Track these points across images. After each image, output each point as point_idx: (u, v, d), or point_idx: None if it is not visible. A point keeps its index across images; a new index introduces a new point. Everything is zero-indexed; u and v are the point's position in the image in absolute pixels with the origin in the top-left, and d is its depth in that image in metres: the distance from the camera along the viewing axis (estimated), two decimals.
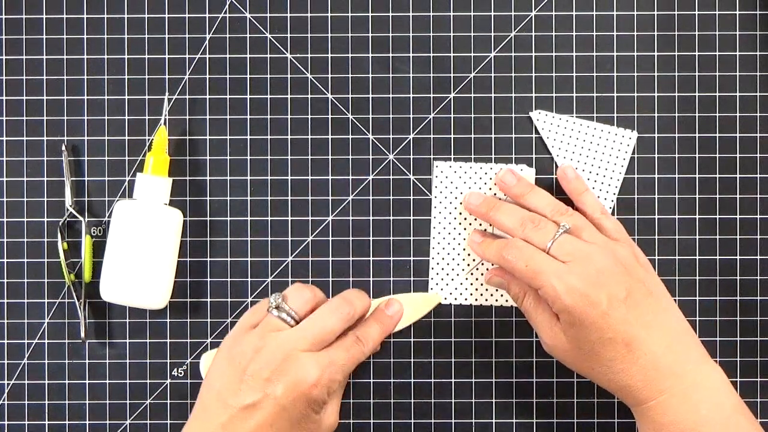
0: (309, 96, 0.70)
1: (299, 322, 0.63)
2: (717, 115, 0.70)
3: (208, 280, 0.70)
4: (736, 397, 0.60)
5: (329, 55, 0.70)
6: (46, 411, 0.70)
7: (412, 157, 0.70)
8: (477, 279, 0.69)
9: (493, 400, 0.70)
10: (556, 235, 0.62)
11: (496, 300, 0.69)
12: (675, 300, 0.70)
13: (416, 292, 0.69)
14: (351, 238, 0.70)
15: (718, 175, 0.70)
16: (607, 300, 0.60)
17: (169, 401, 0.70)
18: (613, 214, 0.70)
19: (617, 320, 0.60)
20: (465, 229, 0.69)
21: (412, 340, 0.70)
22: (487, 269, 0.68)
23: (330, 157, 0.70)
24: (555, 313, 0.62)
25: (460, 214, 0.69)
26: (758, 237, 0.70)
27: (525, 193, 0.67)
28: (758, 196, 0.70)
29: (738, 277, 0.70)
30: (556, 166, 0.70)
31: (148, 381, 0.70)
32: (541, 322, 0.64)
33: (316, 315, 0.63)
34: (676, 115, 0.70)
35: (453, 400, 0.70)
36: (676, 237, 0.70)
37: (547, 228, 0.63)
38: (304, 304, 0.63)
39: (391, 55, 0.70)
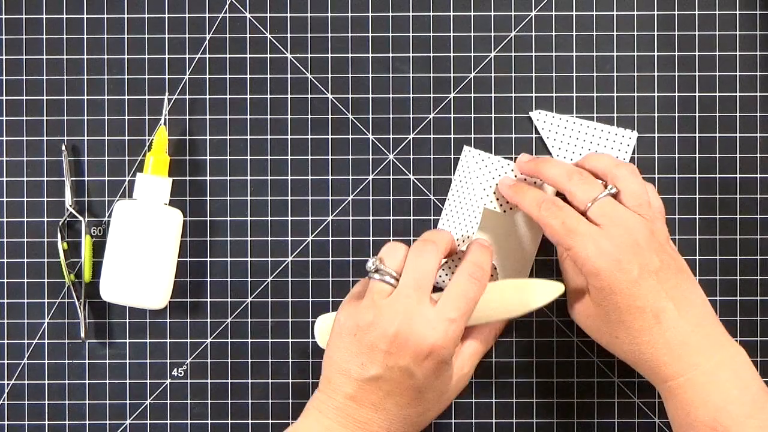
0: (309, 96, 0.70)
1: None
2: (717, 115, 0.70)
3: (208, 280, 0.70)
4: (761, 380, 0.60)
5: (329, 55, 0.70)
6: (46, 411, 0.70)
7: (412, 157, 0.70)
8: None
9: (493, 400, 0.70)
10: (600, 196, 0.61)
11: None
12: None
13: (531, 279, 0.68)
14: (351, 238, 0.70)
15: (718, 175, 0.70)
16: (639, 268, 0.59)
17: (169, 401, 0.70)
18: None
19: (648, 289, 0.59)
20: (473, 218, 0.67)
21: None
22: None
23: (330, 157, 0.70)
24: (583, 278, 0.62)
25: (476, 202, 0.67)
26: (758, 237, 0.70)
27: (585, 158, 0.65)
28: (758, 196, 0.70)
29: (738, 277, 0.70)
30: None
31: (148, 381, 0.70)
32: (573, 285, 0.63)
33: (406, 266, 0.60)
34: (676, 115, 0.70)
35: (453, 401, 0.70)
36: (677, 237, 0.70)
37: (594, 186, 0.62)
38: (402, 261, 0.61)
39: (391, 55, 0.70)
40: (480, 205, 0.66)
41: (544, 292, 0.64)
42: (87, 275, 0.69)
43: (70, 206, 0.70)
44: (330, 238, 0.70)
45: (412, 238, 0.70)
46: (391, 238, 0.70)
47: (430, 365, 0.59)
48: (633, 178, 0.62)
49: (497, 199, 0.66)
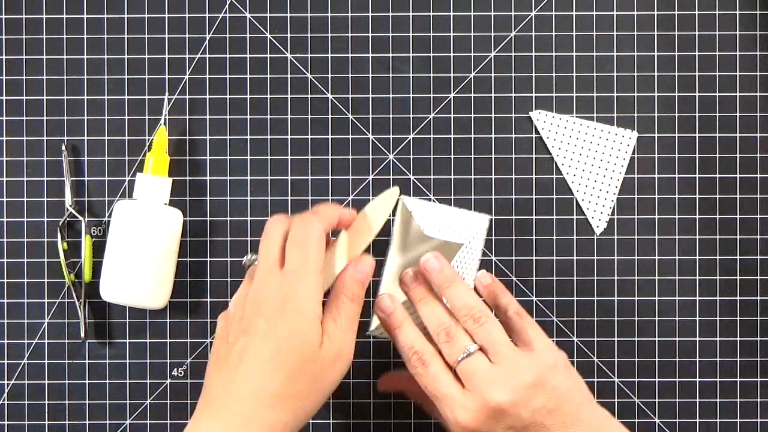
0: (309, 96, 0.70)
1: None
2: (717, 115, 0.70)
3: (208, 280, 0.70)
4: None
5: (329, 55, 0.70)
6: (46, 411, 0.70)
7: (412, 157, 0.70)
8: None
9: None
10: (461, 357, 0.59)
11: None
12: (674, 300, 0.70)
13: (376, 197, 0.64)
14: None
15: (718, 175, 0.70)
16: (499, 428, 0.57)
17: (169, 401, 0.70)
18: (613, 213, 0.70)
19: None
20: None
21: None
22: None
23: (330, 157, 0.70)
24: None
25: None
26: (758, 237, 0.70)
27: (445, 286, 0.61)
28: (758, 196, 0.70)
29: (738, 277, 0.70)
30: (556, 167, 0.70)
31: (148, 381, 0.70)
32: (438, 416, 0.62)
33: (261, 243, 0.58)
34: (676, 115, 0.70)
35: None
36: (676, 237, 0.70)
37: (458, 344, 0.59)
38: (280, 244, 0.58)
39: (391, 55, 0.70)
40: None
41: (386, 202, 0.62)
42: (87, 275, 0.69)
43: (70, 206, 0.70)
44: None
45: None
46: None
47: (287, 318, 0.55)
48: (497, 328, 0.60)
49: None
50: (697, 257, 0.70)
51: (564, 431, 0.58)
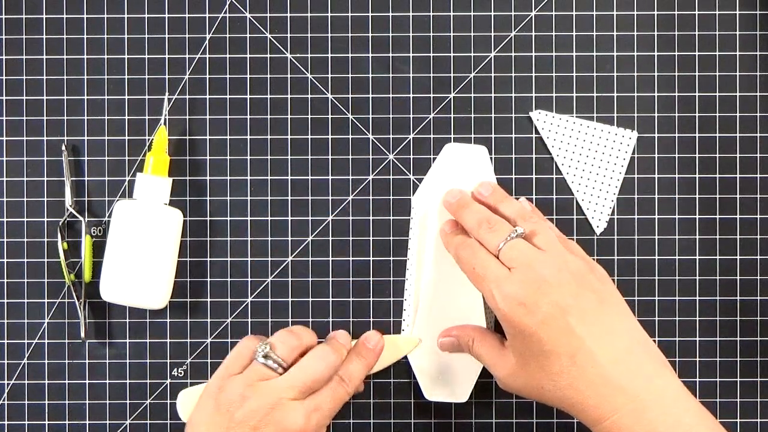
0: (309, 96, 0.70)
1: (287, 369, 0.62)
2: (717, 115, 0.70)
3: (208, 280, 0.70)
4: (695, 410, 0.57)
5: (329, 55, 0.70)
6: (46, 411, 0.70)
7: (412, 157, 0.70)
8: None
9: (493, 400, 0.70)
10: (507, 238, 0.60)
11: None
12: (675, 300, 0.70)
13: (395, 334, 0.69)
14: (351, 238, 0.70)
15: (718, 175, 0.70)
16: (547, 308, 0.57)
17: (169, 401, 0.70)
18: (613, 213, 0.70)
19: (558, 330, 0.57)
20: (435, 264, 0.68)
21: None
22: None
23: (330, 157, 0.70)
24: (500, 340, 0.62)
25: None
26: (758, 237, 0.70)
27: (499, 201, 0.65)
28: (758, 196, 0.70)
29: (738, 277, 0.70)
30: (556, 167, 0.70)
31: (148, 381, 0.70)
32: (490, 356, 0.62)
33: (304, 363, 0.62)
34: (676, 115, 0.70)
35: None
36: (676, 237, 0.70)
37: (501, 230, 0.61)
38: (292, 352, 0.63)
39: (391, 55, 0.70)
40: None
41: (405, 344, 0.68)
42: (87, 275, 0.69)
43: (70, 206, 0.70)
44: (330, 238, 0.70)
45: (409, 238, 0.70)
46: (391, 238, 0.70)
47: None
48: (542, 222, 0.62)
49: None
50: (697, 257, 0.70)
51: (602, 328, 0.58)
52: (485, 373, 0.70)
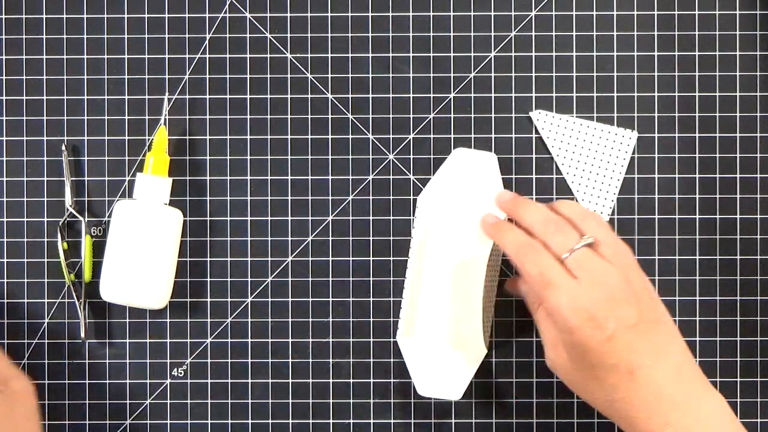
0: (309, 96, 0.70)
1: None
2: (717, 115, 0.70)
3: (208, 280, 0.70)
4: (739, 427, 0.59)
5: (329, 55, 0.70)
6: (46, 411, 0.70)
7: (412, 157, 0.70)
8: None
9: (493, 400, 0.70)
10: (576, 246, 0.59)
11: None
12: (674, 300, 0.70)
13: None
14: (351, 238, 0.70)
15: (718, 175, 0.70)
16: (615, 324, 0.57)
17: (169, 401, 0.70)
18: (613, 213, 0.70)
19: (622, 346, 0.57)
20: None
21: None
22: None
23: (330, 157, 0.70)
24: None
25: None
26: (758, 237, 0.70)
27: (556, 203, 0.63)
28: (758, 196, 0.70)
29: (738, 277, 0.70)
30: (556, 167, 0.70)
31: (148, 381, 0.70)
32: (548, 335, 0.61)
33: None
34: (676, 115, 0.70)
35: (453, 400, 0.70)
36: (676, 237, 0.70)
37: (570, 236, 0.60)
38: None
39: (391, 55, 0.70)
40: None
41: None
42: (87, 275, 0.69)
43: (70, 206, 0.70)
44: (330, 238, 0.70)
45: (410, 238, 0.70)
46: (391, 238, 0.70)
47: None
48: (604, 228, 0.60)
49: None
50: (697, 257, 0.70)
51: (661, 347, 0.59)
52: (485, 374, 0.70)
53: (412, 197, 0.70)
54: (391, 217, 0.70)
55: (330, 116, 0.70)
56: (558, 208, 0.62)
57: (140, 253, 0.66)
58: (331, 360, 0.70)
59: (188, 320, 0.70)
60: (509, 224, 0.63)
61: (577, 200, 0.70)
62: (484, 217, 0.64)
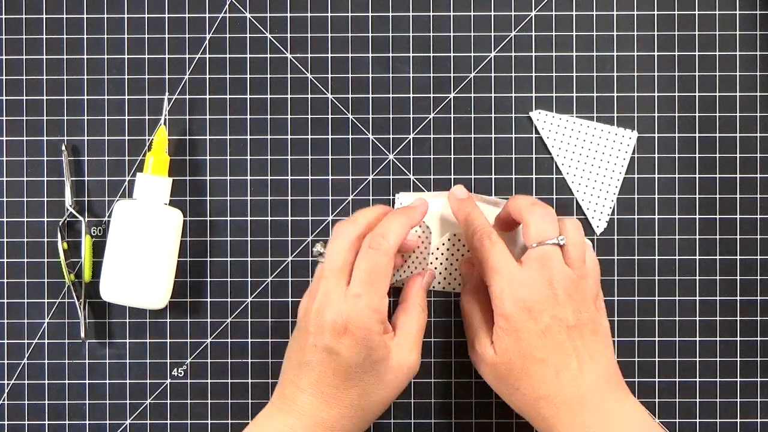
0: (309, 96, 0.70)
1: None
2: (717, 115, 0.70)
3: (208, 280, 0.70)
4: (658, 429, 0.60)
5: (329, 55, 0.70)
6: (46, 411, 0.70)
7: (412, 157, 0.70)
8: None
9: (493, 400, 0.70)
10: (548, 242, 0.60)
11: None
12: (675, 300, 0.70)
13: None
14: None
15: (718, 175, 0.70)
16: (550, 320, 0.59)
17: (169, 401, 0.70)
18: (613, 213, 0.70)
19: (554, 344, 0.59)
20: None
21: None
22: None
23: (330, 157, 0.70)
24: (491, 323, 0.62)
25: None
26: (758, 237, 0.70)
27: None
28: (758, 196, 0.70)
29: (738, 277, 0.70)
30: (556, 167, 0.70)
31: (148, 381, 0.70)
32: (478, 326, 0.63)
33: (328, 245, 0.62)
34: (676, 115, 0.70)
35: (453, 400, 0.70)
36: (676, 237, 0.70)
37: (550, 228, 0.61)
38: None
39: (391, 55, 0.70)
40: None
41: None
42: (87, 275, 0.69)
43: (70, 206, 0.70)
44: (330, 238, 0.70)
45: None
46: None
47: (349, 342, 0.58)
48: (576, 232, 0.62)
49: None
50: (697, 257, 0.70)
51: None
52: None
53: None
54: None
55: (330, 116, 0.70)
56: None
57: (140, 253, 0.66)
58: None
59: (188, 320, 0.70)
60: (474, 204, 0.65)
61: (577, 201, 0.70)
62: (454, 189, 0.67)
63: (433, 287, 0.69)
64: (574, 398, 0.58)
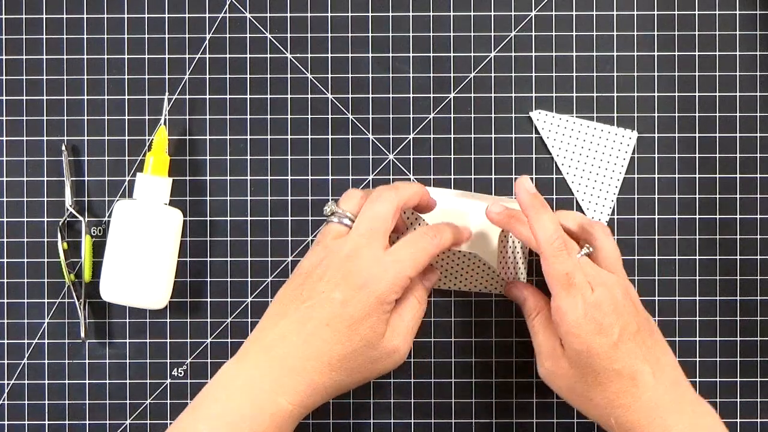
0: (309, 96, 0.70)
1: None
2: (717, 115, 0.70)
3: (208, 280, 0.70)
4: None
5: (329, 55, 0.70)
6: (46, 411, 0.70)
7: (412, 157, 0.70)
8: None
9: (493, 400, 0.70)
10: (578, 256, 0.60)
11: (482, 286, 0.69)
12: (675, 300, 0.70)
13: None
14: None
15: (718, 175, 0.70)
16: (619, 331, 0.59)
17: (169, 401, 0.70)
18: (613, 213, 0.70)
19: (626, 353, 0.59)
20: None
21: None
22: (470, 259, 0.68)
23: (330, 157, 0.70)
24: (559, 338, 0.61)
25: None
26: (758, 237, 0.70)
27: (562, 213, 0.65)
28: (758, 196, 0.70)
29: (738, 277, 0.70)
30: (556, 167, 0.70)
31: (148, 381, 0.70)
32: (546, 344, 0.62)
33: (364, 208, 0.61)
34: (676, 115, 0.70)
35: (453, 400, 0.70)
36: (676, 237, 0.70)
37: (571, 248, 0.61)
38: (358, 205, 0.61)
39: (391, 55, 0.70)
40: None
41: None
42: (87, 275, 0.69)
43: (70, 206, 0.70)
44: None
45: None
46: None
47: (363, 298, 0.58)
48: (607, 238, 0.63)
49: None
50: (697, 257, 0.70)
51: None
52: (485, 374, 0.70)
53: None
54: None
55: (330, 116, 0.70)
56: (561, 219, 0.63)
57: (140, 253, 0.66)
58: None
59: (188, 320, 0.70)
60: (546, 206, 0.61)
61: (577, 201, 0.70)
62: (522, 180, 0.62)
63: (438, 286, 0.69)
64: (650, 403, 0.59)
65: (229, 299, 0.70)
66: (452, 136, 0.70)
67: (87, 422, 0.70)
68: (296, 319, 0.59)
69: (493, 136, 0.70)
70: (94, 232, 0.70)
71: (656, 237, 0.70)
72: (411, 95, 0.70)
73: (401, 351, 0.60)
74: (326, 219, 0.62)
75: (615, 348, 0.59)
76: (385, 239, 0.60)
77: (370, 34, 0.70)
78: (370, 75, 0.70)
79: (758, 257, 0.70)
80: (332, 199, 0.63)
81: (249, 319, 0.70)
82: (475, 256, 0.67)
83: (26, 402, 0.70)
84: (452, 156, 0.70)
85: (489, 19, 0.70)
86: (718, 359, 0.70)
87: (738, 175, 0.70)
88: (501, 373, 0.70)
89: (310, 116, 0.70)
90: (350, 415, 0.70)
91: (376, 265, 0.58)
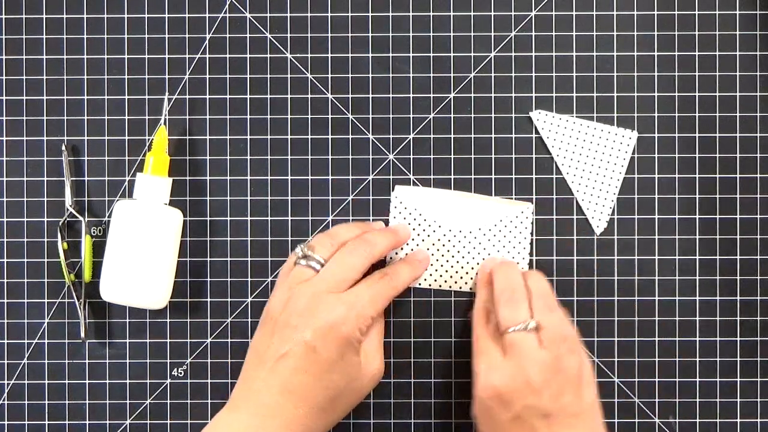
0: (309, 96, 0.70)
1: None
2: (717, 115, 0.70)
3: (208, 280, 0.70)
4: None
5: (329, 55, 0.70)
6: (46, 411, 0.70)
7: (412, 157, 0.70)
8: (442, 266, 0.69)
9: None
10: (516, 328, 0.61)
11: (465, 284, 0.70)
12: (674, 300, 0.70)
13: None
14: None
15: (718, 175, 0.70)
16: (521, 410, 0.59)
17: (169, 401, 0.70)
18: (613, 213, 0.70)
19: (527, 430, 0.59)
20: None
21: (412, 340, 0.70)
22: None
23: (330, 157, 0.70)
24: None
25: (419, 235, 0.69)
26: (758, 237, 0.70)
27: (528, 274, 0.66)
28: (758, 196, 0.70)
29: (738, 277, 0.70)
30: (556, 167, 0.70)
31: (148, 381, 0.70)
32: (476, 377, 0.63)
33: (337, 256, 0.63)
34: (676, 115, 0.70)
35: (453, 401, 0.70)
36: (676, 237, 0.70)
37: (519, 311, 0.62)
38: (332, 249, 0.64)
39: (391, 55, 0.70)
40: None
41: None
42: (87, 275, 0.69)
43: (70, 206, 0.70)
44: None
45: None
46: None
47: (331, 342, 0.60)
48: (554, 312, 0.62)
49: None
50: (697, 257, 0.70)
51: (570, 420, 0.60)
52: None
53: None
54: (391, 217, 0.70)
55: (330, 116, 0.70)
56: (526, 279, 0.65)
57: (140, 253, 0.66)
58: None
59: (188, 320, 0.70)
60: (485, 284, 0.67)
61: (577, 201, 0.70)
62: (485, 263, 0.68)
63: (430, 285, 0.69)
64: None
65: (229, 299, 0.70)
66: (452, 136, 0.70)
67: (87, 422, 0.70)
68: (276, 369, 0.60)
69: (493, 136, 0.70)
70: (94, 232, 0.70)
71: (656, 237, 0.70)
72: (411, 95, 0.70)
73: (380, 369, 0.64)
74: (296, 261, 0.64)
75: (512, 422, 0.59)
76: (346, 287, 0.62)
77: (370, 34, 0.70)
78: (370, 75, 0.70)
79: (758, 257, 0.70)
80: (304, 243, 0.64)
81: (249, 319, 0.70)
82: (474, 257, 0.68)
83: (26, 402, 0.70)
84: (452, 156, 0.70)
85: (489, 19, 0.70)
86: (718, 359, 0.70)
87: (738, 175, 0.70)
88: None
89: (310, 116, 0.70)
90: (350, 415, 0.70)
91: (339, 306, 0.60)
